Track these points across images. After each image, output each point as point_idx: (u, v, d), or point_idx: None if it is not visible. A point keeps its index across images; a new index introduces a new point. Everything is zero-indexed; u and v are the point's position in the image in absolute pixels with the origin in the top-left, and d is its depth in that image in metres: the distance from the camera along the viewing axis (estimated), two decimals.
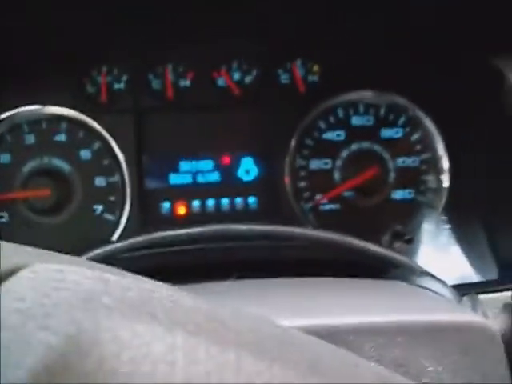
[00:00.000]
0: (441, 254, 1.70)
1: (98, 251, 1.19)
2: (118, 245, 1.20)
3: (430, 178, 1.74)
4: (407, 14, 1.56)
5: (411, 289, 1.10)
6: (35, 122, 1.65)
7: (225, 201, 1.68)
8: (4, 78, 1.59)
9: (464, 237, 1.67)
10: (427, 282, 1.10)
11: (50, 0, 1.44)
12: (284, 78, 1.70)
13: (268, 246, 1.24)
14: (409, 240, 1.48)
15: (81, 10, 1.44)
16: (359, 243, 1.22)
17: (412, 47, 1.64)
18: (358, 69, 1.69)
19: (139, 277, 0.50)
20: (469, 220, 1.65)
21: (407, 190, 1.74)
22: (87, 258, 1.17)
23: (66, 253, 1.50)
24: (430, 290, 1.07)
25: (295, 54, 1.70)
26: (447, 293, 1.07)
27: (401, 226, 1.68)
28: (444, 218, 1.72)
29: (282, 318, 0.65)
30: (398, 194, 1.74)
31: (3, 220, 1.64)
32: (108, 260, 1.17)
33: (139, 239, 1.18)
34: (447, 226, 1.71)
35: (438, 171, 1.74)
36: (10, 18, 1.41)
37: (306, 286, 1.12)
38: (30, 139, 1.64)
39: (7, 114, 1.62)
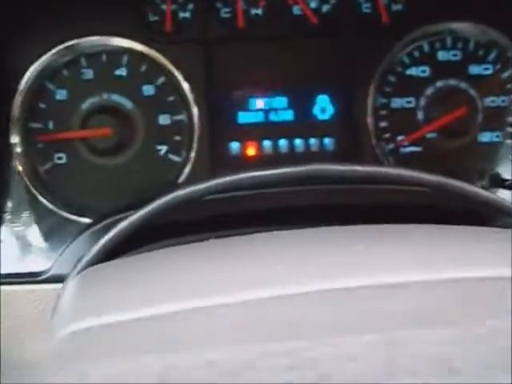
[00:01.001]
0: None
1: (180, 192, 1.07)
2: (201, 186, 1.07)
3: None
4: None
5: None
6: (94, 55, 1.52)
7: (299, 141, 1.55)
8: (56, 6, 1.45)
9: None
10: None
11: None
12: (366, 7, 1.54)
13: (368, 189, 1.12)
14: (511, 185, 1.34)
15: None
16: (469, 187, 1.09)
17: None
18: None
19: None
20: None
21: (495, 133, 1.59)
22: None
23: (129, 195, 1.38)
24: None
25: None
26: None
27: (488, 168, 1.54)
28: None
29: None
30: (486, 137, 1.59)
31: (62, 161, 1.53)
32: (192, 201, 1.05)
33: (227, 179, 1.06)
34: None
35: None
36: None
37: (411, 235, 1.00)
38: (89, 74, 1.52)
39: (63, 45, 1.49)
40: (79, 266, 1.04)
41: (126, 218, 1.08)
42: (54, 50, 1.48)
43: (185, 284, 0.78)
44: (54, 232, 1.50)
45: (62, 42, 1.48)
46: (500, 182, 1.37)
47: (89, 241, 1.31)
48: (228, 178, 1.07)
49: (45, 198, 1.49)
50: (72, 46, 1.50)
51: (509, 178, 1.44)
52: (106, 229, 1.09)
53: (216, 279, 0.77)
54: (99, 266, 1.01)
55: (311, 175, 1.05)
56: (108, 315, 0.71)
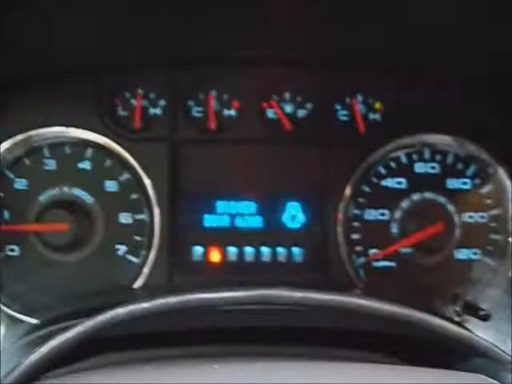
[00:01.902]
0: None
1: (120, 311, 0.98)
2: (144, 305, 0.98)
3: (500, 238, 1.52)
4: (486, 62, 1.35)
5: None
6: (57, 146, 1.46)
7: (266, 250, 1.47)
8: (22, 93, 1.40)
9: None
10: None
11: (77, 10, 1.25)
12: (342, 115, 1.49)
13: (328, 315, 1.03)
14: (485, 316, 1.25)
15: (113, 20, 1.25)
16: (436, 321, 1.00)
17: (490, 96, 1.44)
18: (425, 109, 1.49)
19: None
20: None
21: (473, 250, 1.52)
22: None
23: (81, 296, 1.29)
24: None
25: (356, 87, 1.50)
26: None
27: (463, 291, 1.46)
28: None
29: None
30: (463, 254, 1.51)
31: (14, 254, 1.45)
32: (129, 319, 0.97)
33: (169, 300, 0.97)
34: None
35: (509, 230, 1.51)
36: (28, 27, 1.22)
37: (377, 376, 0.92)
38: (51, 165, 1.45)
39: (26, 134, 1.44)
40: (5, 381, 0.95)
41: (66, 329, 1.00)
42: (15, 139, 1.42)
43: None
44: None
45: (24, 131, 1.43)
46: (474, 311, 1.29)
47: (26, 349, 1.21)
48: (175, 299, 0.98)
49: None
50: (34, 135, 1.44)
51: (485, 306, 1.36)
52: (46, 338, 1.00)
53: None
54: None
55: (263, 301, 0.97)
56: None
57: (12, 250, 1.44)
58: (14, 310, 1.41)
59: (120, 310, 0.99)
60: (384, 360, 1.07)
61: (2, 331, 1.41)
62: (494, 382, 0.91)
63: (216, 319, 1.11)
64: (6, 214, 1.44)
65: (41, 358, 0.97)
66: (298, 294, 0.99)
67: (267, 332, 1.14)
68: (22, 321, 1.41)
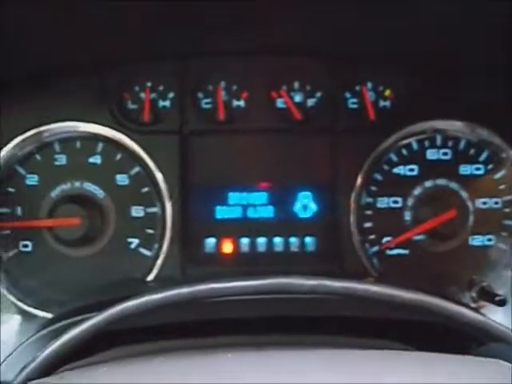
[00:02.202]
0: None
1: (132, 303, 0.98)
2: (156, 297, 0.98)
3: None
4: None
5: None
6: (68, 141, 1.46)
7: (278, 240, 1.46)
8: (31, 89, 1.40)
9: None
10: None
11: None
12: (352, 103, 1.48)
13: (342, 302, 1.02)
14: (501, 301, 1.24)
15: (119, 13, 1.24)
16: (452, 307, 0.99)
17: (502, 80, 1.42)
18: (436, 95, 1.47)
19: None
20: None
21: (487, 236, 1.50)
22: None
23: (94, 291, 1.29)
24: None
25: (365, 75, 1.48)
26: None
27: (479, 277, 1.44)
28: None
29: None
30: (477, 240, 1.50)
31: (27, 249, 1.45)
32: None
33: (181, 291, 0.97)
34: None
35: None
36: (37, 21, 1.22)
37: (390, 362, 0.91)
38: (62, 160, 1.45)
39: (36, 130, 1.44)
40: (22, 376, 0.95)
41: (79, 323, 1.00)
42: (25, 134, 1.42)
43: None
44: (11, 325, 1.41)
45: (34, 127, 1.43)
46: (489, 297, 1.27)
47: (41, 343, 1.21)
48: (187, 290, 0.98)
49: (5, 288, 1.41)
50: (45, 130, 1.44)
51: (500, 291, 1.35)
52: (60, 331, 1.00)
53: None
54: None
55: (275, 289, 0.96)
56: None
57: (25, 246, 1.45)
58: (28, 305, 1.42)
59: (131, 303, 0.99)
60: (399, 346, 1.07)
61: (16, 326, 1.42)
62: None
63: (228, 309, 1.10)
64: (18, 210, 1.45)
65: (54, 352, 0.98)
66: (310, 282, 0.99)
67: (280, 321, 1.13)
68: (35, 315, 1.42)
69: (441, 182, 1.49)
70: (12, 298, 1.42)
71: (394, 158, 1.48)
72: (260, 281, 0.98)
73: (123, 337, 1.10)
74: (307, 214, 1.47)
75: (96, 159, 1.45)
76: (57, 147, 1.45)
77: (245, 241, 1.46)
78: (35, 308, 1.42)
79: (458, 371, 0.87)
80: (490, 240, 1.51)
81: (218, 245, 1.46)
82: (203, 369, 0.90)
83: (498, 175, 1.51)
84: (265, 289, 0.98)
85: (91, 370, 0.95)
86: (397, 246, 1.48)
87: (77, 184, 1.45)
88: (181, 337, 1.12)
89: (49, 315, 1.39)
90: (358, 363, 0.91)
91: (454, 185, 1.49)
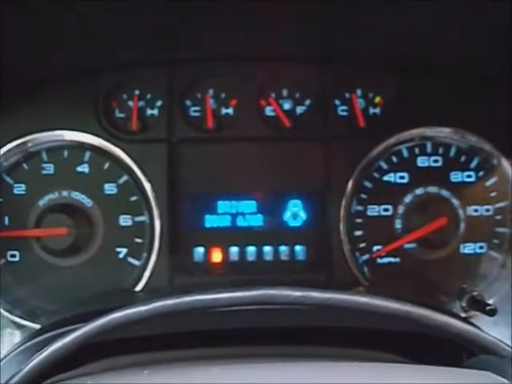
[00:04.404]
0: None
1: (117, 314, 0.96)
2: (142, 308, 0.97)
3: (506, 231, 1.49)
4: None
5: None
6: (55, 150, 1.45)
7: (268, 249, 1.45)
8: (17, 98, 1.39)
9: None
10: None
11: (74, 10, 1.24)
12: (341, 110, 1.47)
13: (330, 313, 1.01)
14: (491, 311, 1.23)
15: (108, 21, 1.24)
16: (441, 318, 0.98)
17: (491, 86, 1.41)
18: (426, 102, 1.46)
19: None
20: None
21: (478, 244, 1.49)
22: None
23: (82, 301, 1.28)
24: None
25: (355, 82, 1.48)
26: None
27: (469, 286, 1.43)
28: None
29: None
30: (468, 248, 1.49)
31: (15, 259, 1.44)
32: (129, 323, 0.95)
33: (167, 303, 0.96)
34: None
35: None
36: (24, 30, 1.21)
37: (379, 374, 0.90)
38: (49, 169, 1.44)
39: (23, 139, 1.43)
40: None
41: (65, 334, 0.98)
42: (11, 144, 1.41)
43: None
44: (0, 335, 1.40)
45: (21, 136, 1.42)
46: (480, 306, 1.26)
47: (26, 355, 1.20)
48: (172, 301, 0.96)
49: None
50: (32, 140, 1.43)
51: (491, 301, 1.34)
52: (46, 343, 0.99)
53: None
54: None
55: (261, 301, 0.95)
56: None
57: (12, 256, 1.44)
58: (16, 316, 1.41)
59: (117, 314, 0.98)
60: (388, 358, 1.05)
61: (3, 337, 1.41)
62: (502, 379, 0.88)
63: (215, 321, 1.09)
64: (6, 220, 1.43)
65: (40, 364, 0.96)
66: (296, 294, 0.97)
67: (269, 332, 1.12)
68: (23, 326, 1.40)
69: (432, 189, 1.48)
70: None
71: (384, 165, 1.48)
72: (246, 292, 0.97)
73: (109, 348, 1.09)
74: (297, 223, 1.46)
75: (84, 168, 1.44)
76: (44, 156, 1.44)
77: (234, 250, 1.45)
78: (23, 318, 1.40)
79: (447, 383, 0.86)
80: (481, 248, 1.49)
81: (207, 254, 1.45)
82: (191, 381, 0.89)
83: (489, 182, 1.50)
84: (251, 300, 0.97)
85: (77, 382, 0.94)
86: (387, 255, 1.47)
87: (64, 193, 1.44)
88: (167, 348, 1.11)
89: (37, 326, 1.37)
90: (346, 375, 0.90)
91: (444, 192, 1.48)
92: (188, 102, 1.46)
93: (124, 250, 1.43)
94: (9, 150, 1.43)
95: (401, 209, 1.47)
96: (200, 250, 1.45)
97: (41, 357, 0.96)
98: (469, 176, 1.49)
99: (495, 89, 1.43)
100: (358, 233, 1.46)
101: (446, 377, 0.90)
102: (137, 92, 1.45)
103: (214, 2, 1.19)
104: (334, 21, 1.31)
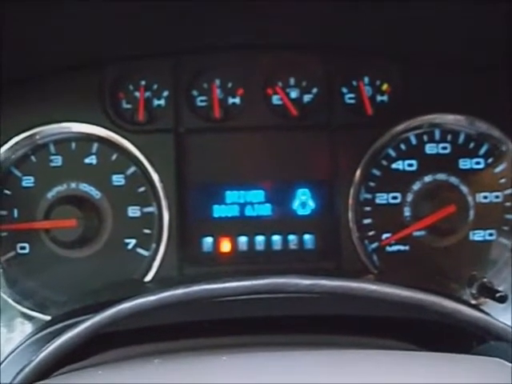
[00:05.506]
0: None
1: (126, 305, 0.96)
2: (150, 298, 0.97)
3: None
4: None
5: None
6: (63, 142, 1.45)
7: (276, 238, 1.45)
8: (24, 91, 1.39)
9: None
10: None
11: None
12: (349, 98, 1.47)
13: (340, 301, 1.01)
14: (501, 298, 1.22)
15: (112, 12, 1.23)
16: (451, 305, 0.98)
17: (499, 72, 1.40)
18: (434, 89, 1.45)
19: None
20: None
21: (488, 231, 1.48)
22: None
23: (92, 292, 1.28)
24: None
25: (362, 69, 1.47)
26: None
27: (479, 273, 1.42)
28: None
29: None
30: (478, 235, 1.48)
31: (24, 251, 1.44)
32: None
33: (176, 292, 0.96)
34: None
35: None
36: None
37: (389, 361, 0.89)
38: (57, 161, 1.45)
39: (30, 132, 1.43)
40: (19, 379, 0.94)
41: (74, 325, 0.99)
42: (19, 137, 1.41)
43: None
44: (9, 328, 1.40)
45: (28, 129, 1.42)
46: (490, 293, 1.25)
47: (37, 346, 1.21)
48: (181, 291, 0.96)
49: (3, 290, 1.40)
50: (40, 132, 1.43)
51: (501, 288, 1.33)
52: (56, 334, 1.00)
53: None
54: None
55: (271, 289, 0.95)
56: None
57: (22, 248, 1.44)
58: (26, 307, 1.41)
59: (126, 304, 0.98)
60: (398, 346, 1.05)
61: (14, 328, 1.41)
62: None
63: (225, 310, 1.09)
64: (15, 212, 1.44)
65: (50, 355, 0.97)
66: (306, 282, 0.97)
67: (278, 321, 1.12)
68: (33, 317, 1.41)
69: (440, 176, 1.47)
70: (10, 300, 1.41)
71: (392, 153, 1.47)
72: (255, 281, 0.97)
73: (119, 339, 1.09)
74: (306, 212, 1.46)
75: (91, 160, 1.44)
76: (52, 148, 1.44)
77: (243, 239, 1.45)
78: (33, 310, 1.41)
79: (457, 370, 0.86)
80: (491, 235, 1.49)
81: (216, 244, 1.45)
82: (200, 370, 0.89)
83: (498, 169, 1.49)
84: (260, 289, 0.97)
85: (87, 372, 0.94)
86: (396, 243, 1.46)
87: (73, 185, 1.44)
88: (177, 338, 1.11)
89: (47, 317, 1.38)
90: (357, 363, 0.90)
91: (453, 179, 1.47)
92: (195, 92, 1.46)
93: (133, 241, 1.43)
94: (16, 143, 1.43)
95: (409, 196, 1.46)
96: (209, 240, 1.45)
97: (51, 347, 0.97)
98: (478, 163, 1.49)
99: (504, 75, 1.41)
100: (367, 221, 1.46)
101: (456, 364, 0.90)
102: (143, 83, 1.45)
103: None
104: (342, 9, 1.30)
